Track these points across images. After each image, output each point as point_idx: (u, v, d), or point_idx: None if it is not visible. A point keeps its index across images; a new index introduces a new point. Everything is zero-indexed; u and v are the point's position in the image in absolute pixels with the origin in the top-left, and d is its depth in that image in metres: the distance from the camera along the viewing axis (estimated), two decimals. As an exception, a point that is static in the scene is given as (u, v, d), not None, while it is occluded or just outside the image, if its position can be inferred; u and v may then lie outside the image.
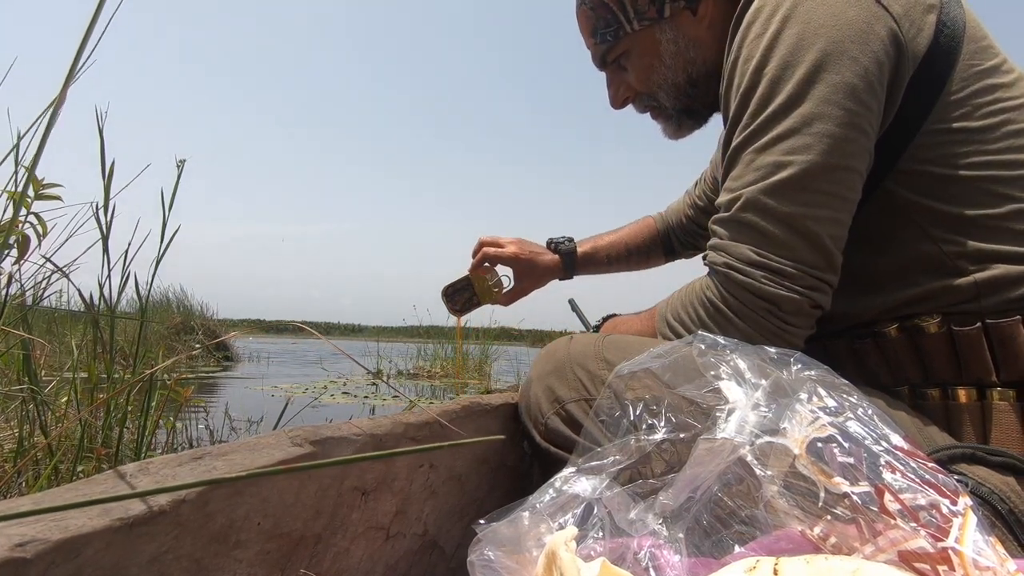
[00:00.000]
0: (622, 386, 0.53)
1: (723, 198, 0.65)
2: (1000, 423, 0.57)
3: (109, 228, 1.02)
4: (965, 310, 0.61)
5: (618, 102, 0.88)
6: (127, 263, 1.07)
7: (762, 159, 0.60)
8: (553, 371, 0.64)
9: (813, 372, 0.46)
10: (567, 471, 0.48)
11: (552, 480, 0.47)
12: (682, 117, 0.86)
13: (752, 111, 0.62)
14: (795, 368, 0.46)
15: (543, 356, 0.67)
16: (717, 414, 0.45)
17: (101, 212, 1.00)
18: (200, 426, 1.90)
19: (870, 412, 0.41)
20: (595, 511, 0.44)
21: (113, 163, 0.99)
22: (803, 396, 0.43)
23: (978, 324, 0.59)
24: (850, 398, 0.43)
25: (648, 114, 0.88)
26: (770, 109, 0.60)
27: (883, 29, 0.59)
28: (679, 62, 0.80)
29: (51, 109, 0.40)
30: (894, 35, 0.60)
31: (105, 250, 1.04)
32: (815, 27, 0.59)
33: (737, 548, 0.40)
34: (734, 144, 0.64)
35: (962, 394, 0.60)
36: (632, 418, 0.51)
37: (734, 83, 0.65)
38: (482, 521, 0.44)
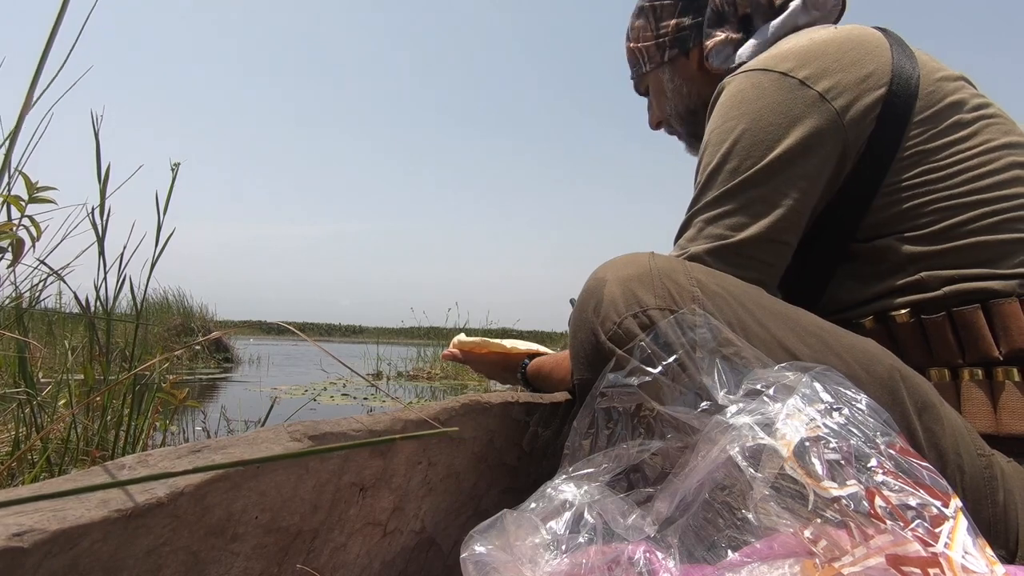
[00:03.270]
0: (712, 309, 0.58)
1: (674, 252, 0.75)
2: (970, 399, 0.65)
3: (105, 230, 1.02)
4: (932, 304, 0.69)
5: (652, 124, 1.08)
6: (123, 265, 1.07)
7: (709, 230, 0.73)
8: (636, 276, 0.62)
9: (815, 368, 0.46)
10: (558, 478, 0.48)
11: (544, 486, 0.47)
12: (691, 139, 1.03)
13: (708, 187, 0.75)
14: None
15: (620, 262, 0.66)
16: (714, 412, 0.45)
17: (96, 214, 1.01)
18: (197, 428, 1.90)
19: (866, 409, 0.42)
20: (588, 517, 0.44)
21: (109, 167, 0.99)
22: (800, 394, 0.43)
23: (943, 313, 0.67)
24: (848, 393, 0.43)
25: (675, 136, 1.07)
26: (721, 191, 0.73)
27: (825, 121, 0.70)
28: (677, 96, 0.99)
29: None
30: (836, 125, 0.70)
31: (101, 252, 1.04)
32: (764, 124, 0.72)
33: (731, 554, 0.40)
34: (692, 209, 0.76)
35: (934, 374, 0.68)
36: (717, 341, 0.52)
37: (703, 150, 0.77)
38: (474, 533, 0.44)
